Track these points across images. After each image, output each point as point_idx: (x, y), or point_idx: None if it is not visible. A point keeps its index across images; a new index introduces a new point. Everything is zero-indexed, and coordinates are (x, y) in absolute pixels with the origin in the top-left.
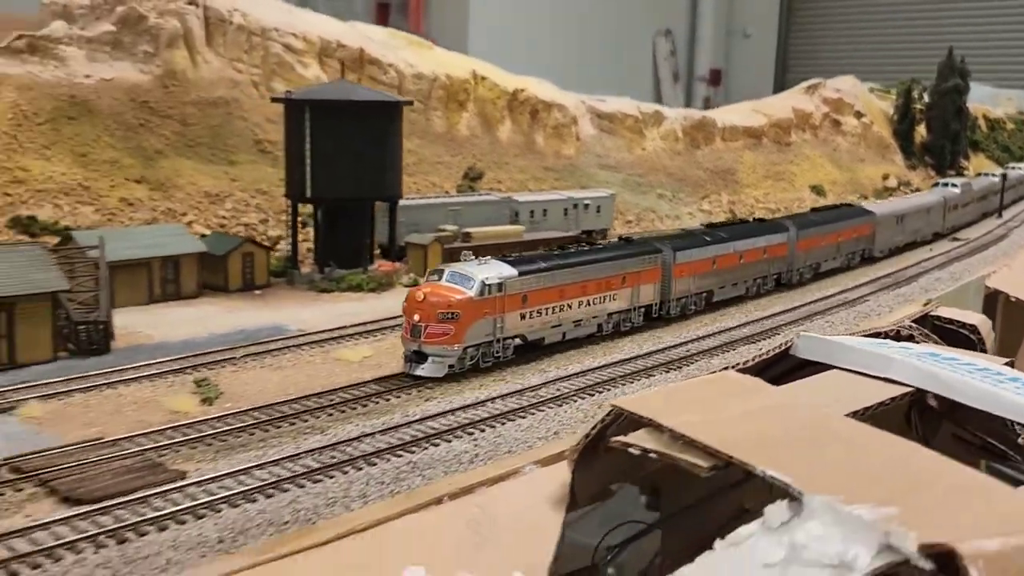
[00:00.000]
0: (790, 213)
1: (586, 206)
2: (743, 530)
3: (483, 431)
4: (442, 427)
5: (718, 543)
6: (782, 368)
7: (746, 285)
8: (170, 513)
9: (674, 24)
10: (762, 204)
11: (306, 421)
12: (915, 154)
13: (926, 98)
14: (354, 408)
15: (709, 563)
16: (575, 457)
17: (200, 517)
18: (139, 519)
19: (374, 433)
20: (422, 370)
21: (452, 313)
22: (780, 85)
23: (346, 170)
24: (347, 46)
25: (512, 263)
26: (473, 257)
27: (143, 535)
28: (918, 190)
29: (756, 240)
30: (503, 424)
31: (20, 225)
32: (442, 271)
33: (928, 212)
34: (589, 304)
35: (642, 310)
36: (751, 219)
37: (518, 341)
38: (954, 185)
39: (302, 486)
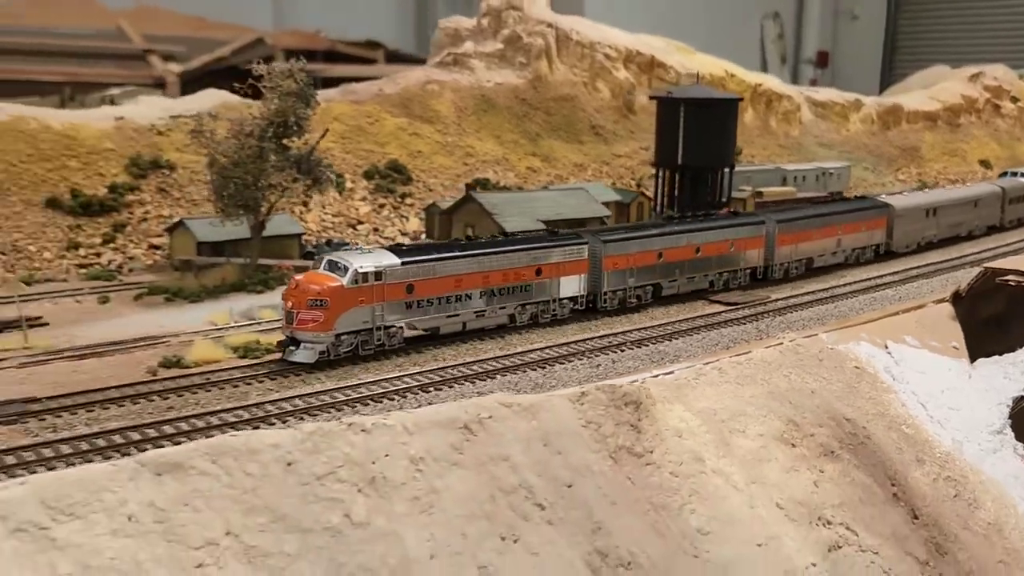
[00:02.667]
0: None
1: (830, 174)
2: None
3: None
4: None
5: None
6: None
7: (708, 279)
8: None
9: (782, 6)
10: (943, 175)
11: None
12: None
13: None
14: None
15: None
16: (963, 296)
17: None
18: None
19: None
20: (295, 356)
21: (320, 300)
22: (888, 67)
23: (704, 145)
24: (643, 54)
25: (397, 252)
26: (362, 247)
27: None
28: None
29: (722, 232)
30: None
31: (479, 184)
32: (322, 259)
33: (975, 204)
34: (494, 295)
35: (566, 302)
36: (730, 209)
37: (410, 331)
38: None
39: None
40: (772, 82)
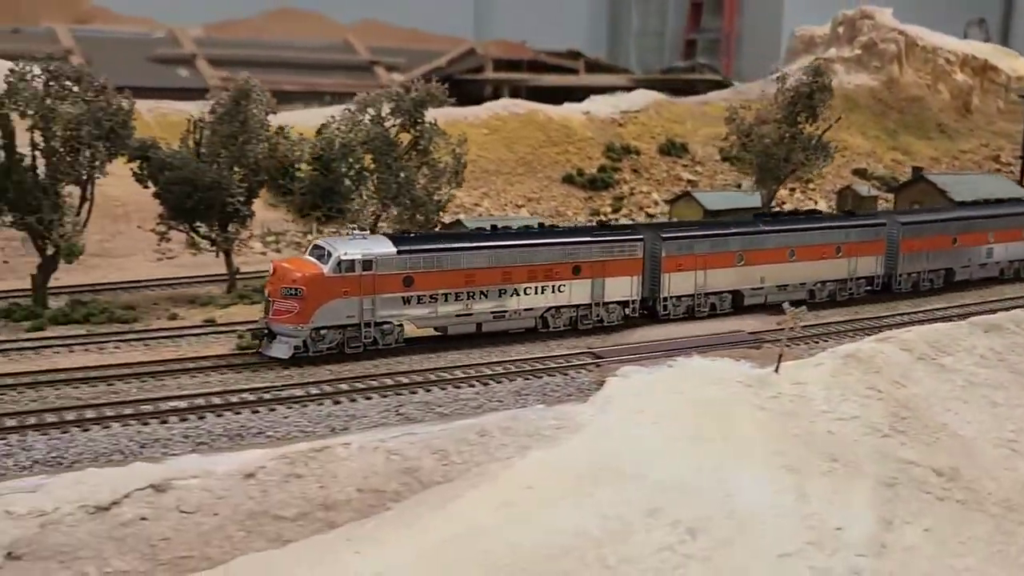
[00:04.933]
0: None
1: None
2: None
3: None
4: None
5: None
6: None
7: (805, 288)
8: None
9: (988, 12)
10: None
11: None
12: None
13: None
14: None
15: None
16: None
17: None
18: None
19: None
20: (270, 350)
21: (295, 290)
22: None
23: None
24: (977, 58)
25: (397, 240)
26: (357, 233)
27: None
28: None
29: (824, 234)
30: None
31: (858, 174)
32: (313, 244)
33: None
34: (517, 294)
35: (615, 307)
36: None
37: (409, 328)
38: None
39: None
40: None
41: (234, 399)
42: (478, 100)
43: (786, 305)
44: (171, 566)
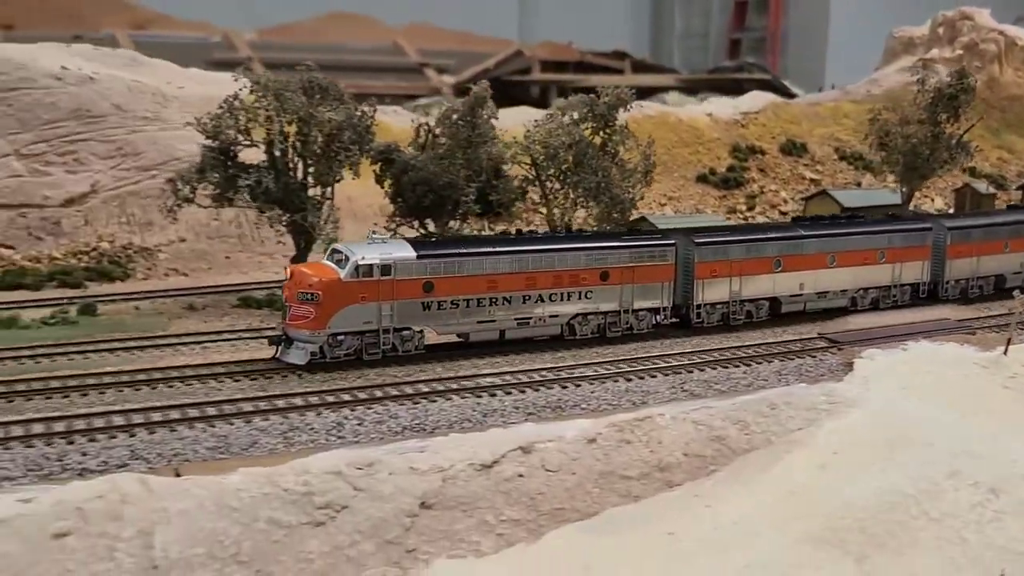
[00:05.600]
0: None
1: None
2: None
3: None
4: None
5: None
6: None
7: (847, 295)
8: None
9: None
10: None
11: None
12: None
13: None
14: None
15: None
16: None
17: None
18: None
19: None
20: (287, 356)
21: (311, 294)
22: None
23: None
24: None
25: (417, 245)
26: (377, 237)
27: None
28: None
29: (867, 240)
30: None
31: (969, 172)
32: (332, 248)
33: None
34: (542, 300)
35: (645, 315)
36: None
37: (429, 335)
38: None
39: None
40: None
41: (550, 376)
42: (525, 101)
43: (1016, 293)
44: (550, 515)
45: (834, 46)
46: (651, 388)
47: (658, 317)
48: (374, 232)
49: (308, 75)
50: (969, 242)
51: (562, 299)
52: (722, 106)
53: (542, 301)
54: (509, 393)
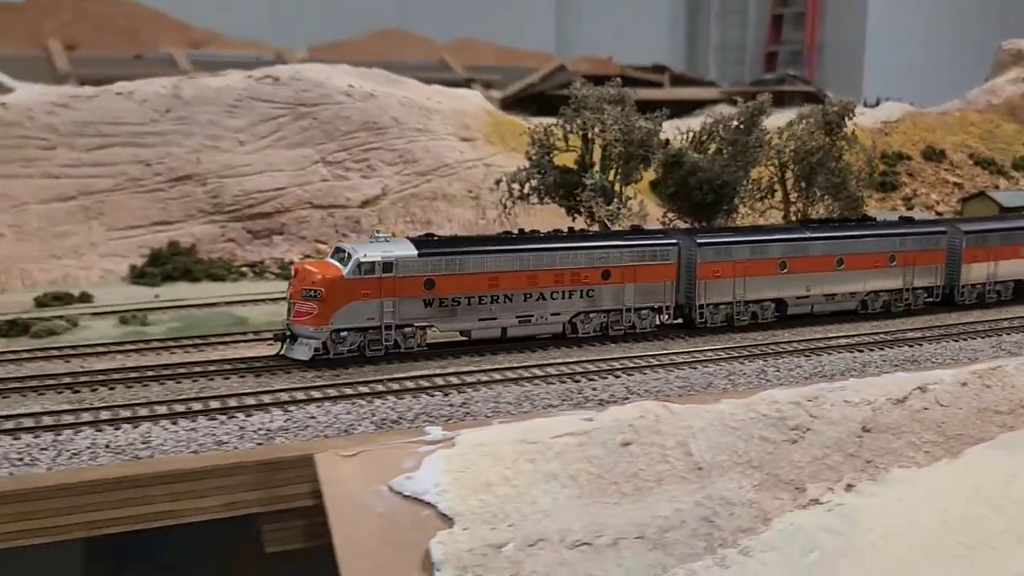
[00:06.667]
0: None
1: None
2: None
3: None
4: None
5: None
6: None
7: (856, 298)
8: None
9: None
10: None
11: None
12: None
13: None
14: None
15: None
16: None
17: None
18: None
19: None
20: (292, 351)
21: (315, 291)
22: None
23: None
24: None
25: (419, 243)
26: (385, 234)
27: None
28: None
29: (876, 242)
30: None
31: None
32: (335, 247)
33: None
34: (543, 298)
35: (647, 313)
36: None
37: (433, 331)
38: None
39: None
40: None
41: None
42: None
43: None
44: (955, 439)
45: (872, 57)
46: (977, 348)
47: (661, 317)
48: (377, 232)
49: (618, 89)
50: (986, 246)
51: (564, 297)
52: (863, 116)
53: (544, 299)
54: (872, 351)
